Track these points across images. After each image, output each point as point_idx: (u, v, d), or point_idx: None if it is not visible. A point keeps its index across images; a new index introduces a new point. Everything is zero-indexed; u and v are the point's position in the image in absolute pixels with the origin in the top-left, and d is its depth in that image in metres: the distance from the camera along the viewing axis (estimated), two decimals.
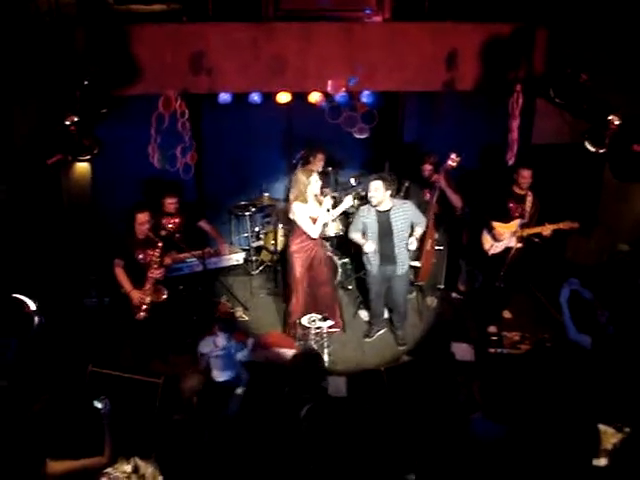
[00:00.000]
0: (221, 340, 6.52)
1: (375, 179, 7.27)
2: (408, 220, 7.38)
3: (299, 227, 7.65)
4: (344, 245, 9.60)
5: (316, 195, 7.62)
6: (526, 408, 4.56)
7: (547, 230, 7.58)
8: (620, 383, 5.10)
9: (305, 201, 7.52)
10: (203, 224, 8.35)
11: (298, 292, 7.85)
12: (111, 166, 8.28)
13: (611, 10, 6.70)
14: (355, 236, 7.65)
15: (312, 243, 7.76)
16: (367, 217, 7.44)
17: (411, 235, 7.41)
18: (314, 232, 7.61)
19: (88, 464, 4.56)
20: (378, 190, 7.22)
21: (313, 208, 7.60)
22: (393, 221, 7.34)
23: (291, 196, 7.67)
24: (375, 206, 7.35)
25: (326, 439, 4.82)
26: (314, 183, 7.49)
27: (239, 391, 6.10)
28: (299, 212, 7.54)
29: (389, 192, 7.28)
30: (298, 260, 7.76)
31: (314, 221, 7.59)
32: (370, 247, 7.46)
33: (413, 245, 7.40)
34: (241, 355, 6.41)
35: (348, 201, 7.73)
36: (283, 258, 8.51)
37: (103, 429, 4.88)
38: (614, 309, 5.85)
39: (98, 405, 4.95)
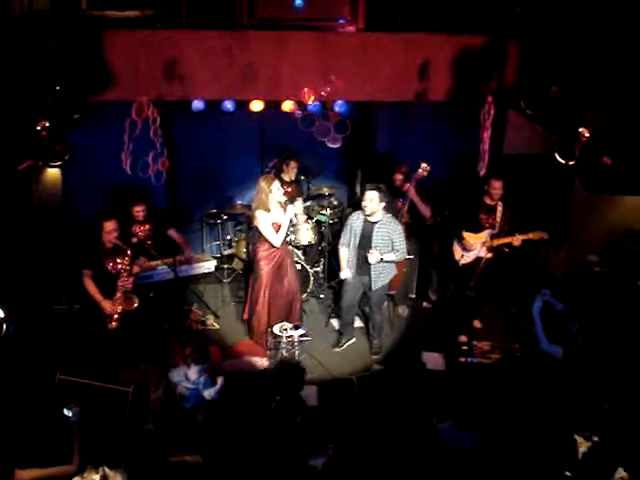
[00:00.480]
0: (192, 374, 6.28)
1: (371, 189, 7.25)
2: (388, 239, 7.37)
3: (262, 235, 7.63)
4: (316, 254, 9.63)
5: (279, 202, 7.58)
6: (497, 417, 4.60)
7: (517, 240, 7.65)
8: (590, 392, 5.16)
9: (267, 209, 7.47)
10: (172, 232, 8.32)
11: (265, 300, 7.79)
12: (82, 172, 8.21)
13: (582, 23, 6.79)
14: (342, 252, 7.71)
15: (279, 251, 7.72)
16: (354, 222, 7.51)
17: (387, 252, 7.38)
18: (276, 240, 7.55)
19: (56, 472, 4.52)
20: (373, 200, 7.22)
21: (276, 215, 7.55)
22: (374, 234, 7.37)
23: (253, 204, 7.62)
24: (367, 215, 7.36)
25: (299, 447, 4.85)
26: (276, 191, 7.44)
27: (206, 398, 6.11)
28: (261, 220, 7.49)
29: (383, 204, 7.28)
30: (264, 267, 7.71)
31: (278, 228, 7.55)
32: (344, 275, 7.59)
33: (372, 258, 7.31)
34: (208, 393, 6.22)
35: (295, 208, 7.71)
36: (250, 265, 8.46)
37: (72, 437, 4.84)
38: (584, 320, 5.92)
39: (68, 413, 4.90)
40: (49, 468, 4.52)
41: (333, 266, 9.04)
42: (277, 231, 7.54)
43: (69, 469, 4.59)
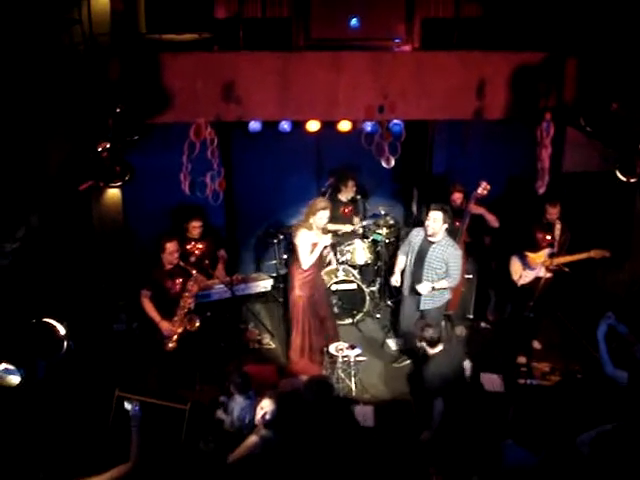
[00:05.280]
0: (236, 405, 6.05)
1: (436, 209, 7.20)
2: (442, 262, 7.28)
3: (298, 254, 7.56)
4: (372, 273, 9.60)
5: (321, 229, 7.49)
6: (558, 438, 4.51)
7: (578, 259, 7.53)
8: None
9: (310, 228, 7.43)
10: (222, 253, 8.40)
11: (300, 321, 7.72)
12: (142, 192, 8.35)
13: None
14: (399, 259, 7.74)
15: (312, 275, 7.63)
16: (414, 238, 7.51)
17: (438, 280, 7.31)
18: (306, 261, 7.45)
19: (114, 475, 4.53)
20: (437, 221, 7.16)
21: (315, 237, 7.46)
22: (429, 253, 7.31)
23: (300, 222, 7.63)
24: (428, 234, 7.30)
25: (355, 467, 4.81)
26: (319, 217, 7.33)
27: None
28: (301, 237, 7.44)
29: (446, 225, 7.23)
30: (299, 291, 7.64)
31: (313, 249, 7.46)
32: (394, 280, 7.57)
33: (422, 288, 7.26)
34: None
35: (326, 240, 7.50)
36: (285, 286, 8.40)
37: (130, 433, 4.87)
38: None
39: (128, 407, 4.94)
40: (107, 472, 4.54)
41: (389, 285, 9.00)
42: (311, 252, 7.46)
43: (127, 467, 4.61)
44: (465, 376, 6.52)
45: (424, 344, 6.33)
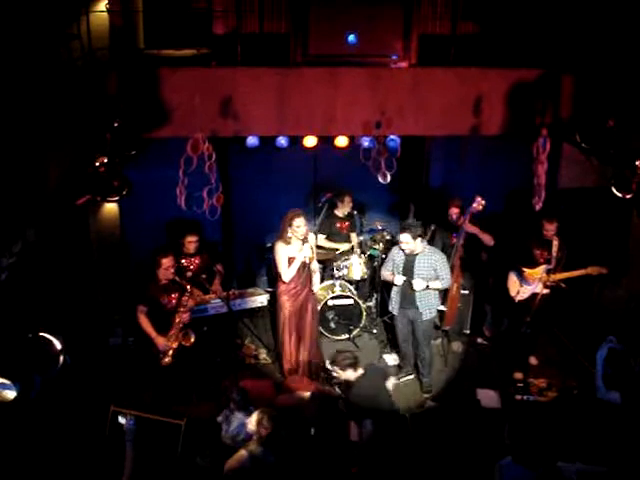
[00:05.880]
0: (234, 421, 6.06)
1: (401, 232, 7.36)
2: (431, 268, 7.39)
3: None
4: (368, 288, 9.60)
5: (302, 239, 7.44)
6: (555, 455, 4.49)
7: (575, 275, 7.54)
8: None
9: (286, 242, 7.43)
10: (219, 267, 8.41)
11: (286, 335, 7.73)
12: (139, 207, 8.36)
13: (638, 55, 6.71)
14: (385, 274, 7.76)
15: (299, 289, 7.63)
16: (396, 256, 7.57)
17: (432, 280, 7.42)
18: (285, 274, 7.46)
19: None
20: (408, 242, 7.29)
21: (294, 250, 7.47)
22: (416, 264, 7.39)
23: (277, 237, 7.60)
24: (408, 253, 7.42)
25: None
26: (296, 227, 7.31)
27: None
28: (278, 251, 7.46)
29: (419, 239, 7.31)
30: (286, 303, 7.65)
31: (290, 263, 7.47)
32: (399, 280, 7.53)
33: (416, 284, 7.35)
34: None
35: (306, 251, 7.44)
36: (273, 301, 8.36)
37: (124, 447, 4.84)
38: None
39: (122, 421, 4.92)
40: None
41: (385, 301, 9.00)
42: (289, 266, 7.47)
43: None
44: (389, 395, 6.49)
45: (348, 370, 6.33)
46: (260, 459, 5.03)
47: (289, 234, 7.38)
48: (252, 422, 5.18)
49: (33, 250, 6.40)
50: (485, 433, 6.41)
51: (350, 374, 6.33)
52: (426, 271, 7.39)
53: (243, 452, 5.12)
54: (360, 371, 6.36)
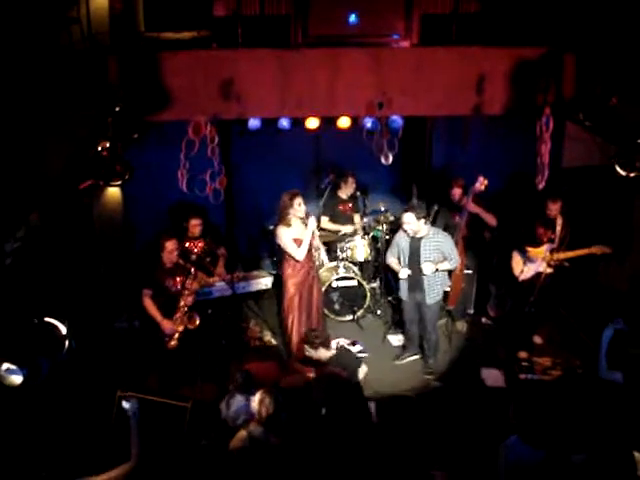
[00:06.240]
0: (234, 404, 5.96)
1: (405, 212, 7.32)
2: (438, 251, 7.37)
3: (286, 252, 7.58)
4: (372, 270, 9.61)
5: (301, 218, 7.50)
6: (561, 434, 4.50)
7: (579, 255, 7.53)
8: None
9: (288, 224, 7.44)
10: (222, 250, 8.41)
11: (293, 317, 7.73)
12: (142, 190, 8.37)
13: None
14: (391, 261, 7.74)
15: (305, 269, 7.65)
16: (401, 241, 7.54)
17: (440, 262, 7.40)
18: (298, 254, 7.47)
19: (114, 475, 4.52)
20: (411, 222, 7.25)
21: (297, 231, 7.49)
22: (422, 248, 7.37)
23: (277, 221, 7.61)
24: (412, 235, 7.39)
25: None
26: (297, 206, 7.37)
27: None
28: (282, 236, 7.46)
29: (422, 220, 7.30)
30: (292, 284, 7.66)
31: (299, 244, 7.48)
32: (404, 273, 7.52)
33: (426, 268, 7.33)
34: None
35: (312, 224, 7.52)
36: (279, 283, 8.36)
37: (129, 432, 4.85)
38: None
39: (125, 405, 4.92)
40: (110, 472, 4.53)
41: (389, 282, 9.01)
42: (299, 246, 7.49)
43: (129, 466, 4.60)
44: (358, 379, 6.50)
45: (320, 349, 6.37)
46: (259, 439, 5.05)
47: (290, 215, 7.39)
48: (255, 400, 5.19)
49: (37, 235, 6.43)
50: (490, 412, 6.44)
51: (322, 353, 6.38)
52: (433, 254, 7.37)
53: (243, 432, 5.14)
54: (333, 351, 6.42)
